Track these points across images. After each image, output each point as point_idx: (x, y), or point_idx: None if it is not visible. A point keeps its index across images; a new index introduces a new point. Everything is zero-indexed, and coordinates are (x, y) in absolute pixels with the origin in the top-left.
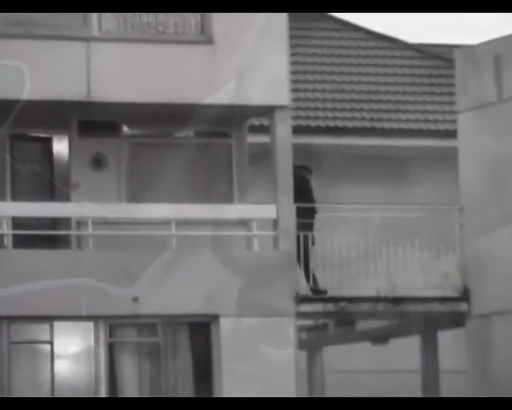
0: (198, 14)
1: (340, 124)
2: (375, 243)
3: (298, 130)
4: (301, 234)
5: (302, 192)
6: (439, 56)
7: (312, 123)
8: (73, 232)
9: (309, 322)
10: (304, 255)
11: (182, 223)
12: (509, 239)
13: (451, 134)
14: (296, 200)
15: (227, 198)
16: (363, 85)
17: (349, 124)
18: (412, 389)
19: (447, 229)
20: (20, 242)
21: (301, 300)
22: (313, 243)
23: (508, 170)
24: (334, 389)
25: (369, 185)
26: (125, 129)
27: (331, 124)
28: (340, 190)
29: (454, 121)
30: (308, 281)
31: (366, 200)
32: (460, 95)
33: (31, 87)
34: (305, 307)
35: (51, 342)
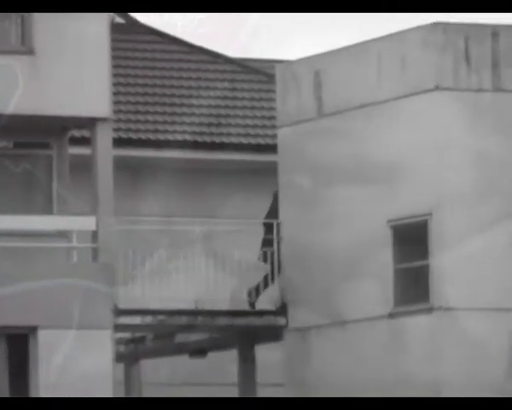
0: (19, 24)
1: (161, 137)
2: (195, 255)
3: (119, 142)
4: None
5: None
6: (261, 71)
7: (134, 135)
8: None
9: (127, 335)
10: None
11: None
12: (327, 255)
13: (271, 149)
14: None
15: (47, 209)
16: (184, 99)
17: (170, 137)
18: None
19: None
20: None
21: (119, 313)
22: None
23: (327, 184)
24: None
25: (190, 198)
26: None
27: (152, 137)
28: (160, 202)
29: (274, 136)
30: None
31: (186, 213)
32: (280, 110)
33: None
34: (124, 320)
35: None
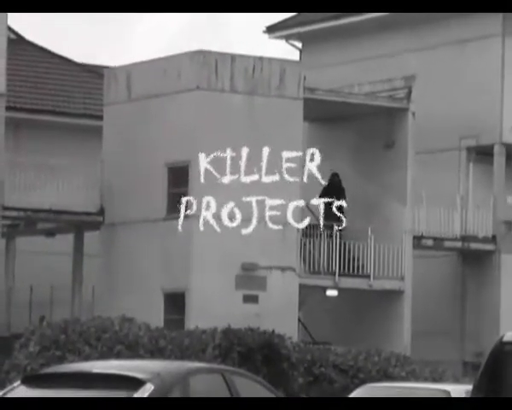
0: None
1: None
2: None
3: None
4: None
5: (340, 192)
6: (96, 72)
7: None
8: None
9: (7, 222)
10: None
11: None
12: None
13: (97, 118)
14: (336, 198)
15: None
16: None
17: None
18: None
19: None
20: None
21: (5, 208)
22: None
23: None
24: None
25: None
26: None
27: None
28: None
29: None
30: None
31: None
32: (106, 94)
33: None
34: (8, 213)
35: None
